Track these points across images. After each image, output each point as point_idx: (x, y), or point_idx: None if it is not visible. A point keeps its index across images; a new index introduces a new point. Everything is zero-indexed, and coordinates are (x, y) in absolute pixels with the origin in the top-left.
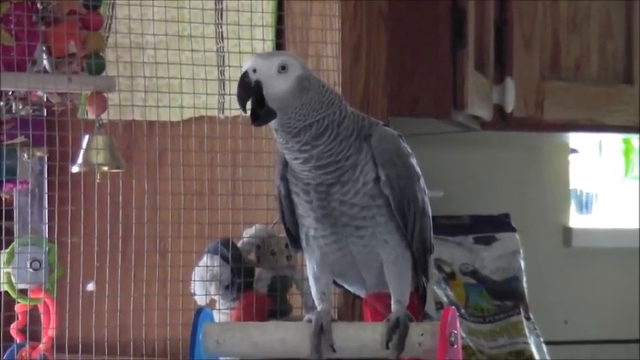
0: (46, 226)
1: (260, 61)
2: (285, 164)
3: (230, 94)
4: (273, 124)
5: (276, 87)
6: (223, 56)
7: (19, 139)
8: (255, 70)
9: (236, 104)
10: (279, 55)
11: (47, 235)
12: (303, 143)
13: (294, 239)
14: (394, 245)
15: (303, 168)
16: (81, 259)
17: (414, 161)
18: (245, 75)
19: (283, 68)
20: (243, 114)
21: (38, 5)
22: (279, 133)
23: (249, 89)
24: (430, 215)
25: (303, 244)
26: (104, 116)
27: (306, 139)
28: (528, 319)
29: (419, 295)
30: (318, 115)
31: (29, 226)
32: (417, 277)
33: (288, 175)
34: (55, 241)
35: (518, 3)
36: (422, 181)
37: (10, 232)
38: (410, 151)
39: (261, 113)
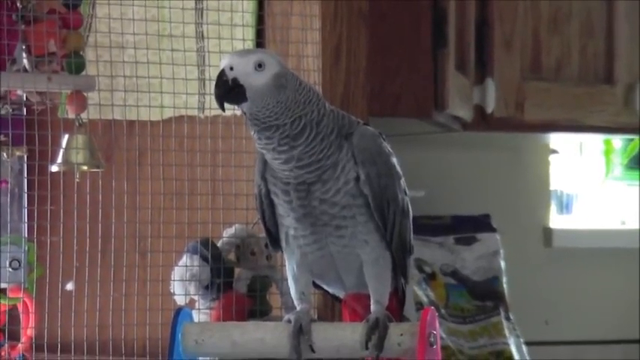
0: (26, 225)
1: (236, 59)
2: (265, 163)
3: (210, 94)
4: (244, 116)
5: (253, 83)
6: (204, 56)
7: None
8: (232, 68)
9: (216, 104)
10: (255, 53)
11: (26, 235)
12: (279, 144)
13: (274, 239)
14: (374, 245)
15: (283, 168)
16: (60, 258)
17: (394, 160)
18: (222, 73)
19: (260, 66)
20: (222, 113)
21: (18, 4)
22: (250, 127)
23: (227, 87)
24: (410, 216)
25: (283, 244)
26: (84, 115)
27: (282, 139)
28: (508, 319)
29: (398, 296)
30: (293, 115)
31: (8, 225)
32: (397, 278)
33: (267, 175)
34: (35, 240)
35: (498, 3)
36: (402, 181)
37: None
38: (391, 150)
39: (234, 97)
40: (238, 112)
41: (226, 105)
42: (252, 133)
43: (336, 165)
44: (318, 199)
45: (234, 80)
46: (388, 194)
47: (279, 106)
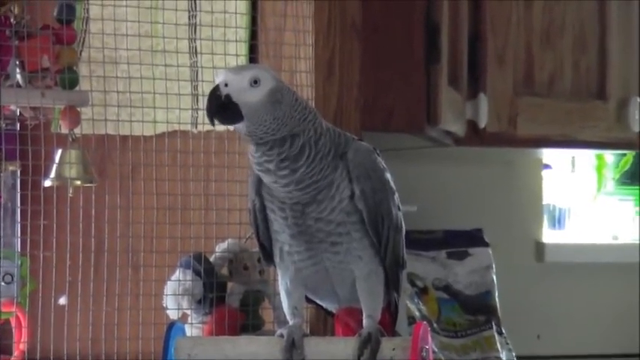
0: (19, 239)
1: (231, 75)
2: (260, 180)
3: (203, 109)
4: (241, 132)
5: (248, 100)
6: (197, 71)
7: None
8: (226, 85)
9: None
10: (250, 69)
11: (19, 249)
12: (279, 167)
13: (268, 254)
14: (367, 261)
15: (282, 190)
16: (53, 272)
17: (388, 176)
18: (216, 89)
19: (255, 82)
20: (214, 128)
21: (11, 20)
22: (251, 145)
23: (220, 103)
24: (404, 231)
25: (277, 259)
26: (77, 130)
27: (281, 161)
28: (500, 333)
29: (390, 311)
30: (291, 130)
31: (2, 239)
32: (389, 292)
33: (263, 192)
34: (28, 254)
35: (491, 16)
36: (396, 196)
37: None
38: (385, 166)
39: (228, 116)
40: (231, 127)
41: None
42: (250, 155)
43: (332, 184)
44: (314, 218)
45: (228, 97)
46: (382, 209)
47: (275, 123)
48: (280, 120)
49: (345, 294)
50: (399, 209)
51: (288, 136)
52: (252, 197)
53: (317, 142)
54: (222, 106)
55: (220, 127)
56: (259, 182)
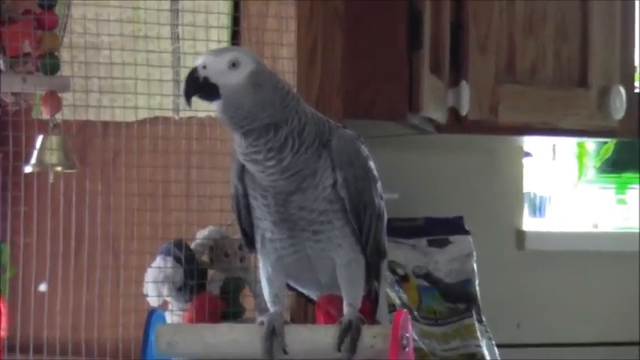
0: None
1: (210, 58)
2: (243, 167)
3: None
4: (223, 120)
5: (227, 82)
6: (179, 57)
7: None
8: (205, 67)
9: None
10: (230, 51)
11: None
12: (266, 157)
13: (250, 240)
14: (347, 249)
15: (267, 179)
16: (33, 259)
17: (372, 164)
18: (194, 71)
19: (234, 65)
20: (197, 114)
21: None
22: (236, 135)
23: (197, 85)
24: (385, 220)
25: (258, 245)
26: (58, 116)
27: (269, 151)
28: (481, 321)
29: (370, 299)
30: (272, 118)
31: None
32: (370, 281)
33: (245, 179)
34: (8, 241)
35: (473, 5)
36: (379, 185)
37: None
38: (368, 153)
39: (205, 95)
40: (213, 114)
41: (200, 106)
42: (237, 146)
43: (315, 173)
44: (297, 206)
45: (206, 79)
46: (365, 198)
47: (255, 107)
48: (260, 104)
49: (326, 280)
50: (381, 198)
51: (272, 126)
52: (235, 183)
53: (301, 132)
54: (199, 88)
55: (202, 114)
56: (242, 169)
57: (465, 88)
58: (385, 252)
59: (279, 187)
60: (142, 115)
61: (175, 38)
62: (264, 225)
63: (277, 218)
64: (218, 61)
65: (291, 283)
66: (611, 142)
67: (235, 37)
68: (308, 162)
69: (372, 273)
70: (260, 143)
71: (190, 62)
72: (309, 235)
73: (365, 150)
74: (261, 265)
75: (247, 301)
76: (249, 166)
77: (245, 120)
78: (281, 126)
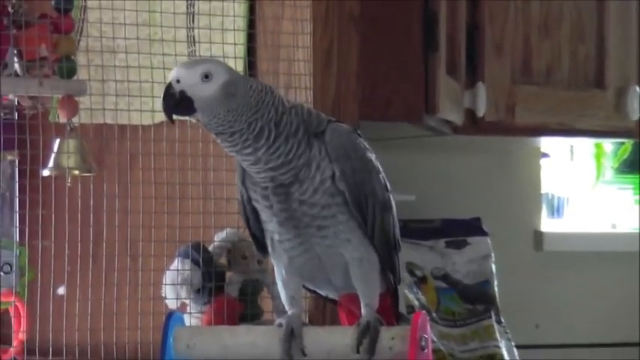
0: (17, 229)
1: (183, 71)
2: (244, 170)
3: None
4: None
5: (200, 94)
6: None
7: None
8: (178, 81)
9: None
10: (203, 63)
11: (18, 239)
12: (243, 146)
13: (261, 244)
14: (356, 244)
15: (255, 170)
16: (52, 262)
17: (372, 156)
18: (169, 86)
19: (207, 77)
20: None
21: (9, 8)
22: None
23: (174, 100)
24: (394, 210)
25: (270, 249)
26: (75, 120)
27: (245, 141)
28: (499, 322)
29: (390, 295)
30: (248, 119)
31: (0, 229)
32: (386, 277)
33: (247, 182)
34: (26, 244)
35: (489, 5)
36: (382, 175)
37: None
38: (367, 146)
39: (182, 110)
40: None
41: (175, 116)
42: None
43: (310, 164)
44: (297, 200)
45: (182, 93)
46: (366, 189)
47: (230, 115)
48: (235, 111)
49: (339, 281)
50: (386, 189)
51: (245, 125)
52: (240, 188)
53: (278, 123)
54: (177, 103)
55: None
56: (243, 172)
57: (481, 89)
58: (398, 244)
59: (273, 179)
60: (159, 118)
61: (191, 41)
62: (271, 227)
63: (282, 218)
64: (191, 73)
65: (308, 286)
66: (628, 143)
67: (251, 40)
68: (296, 151)
69: (387, 267)
70: (234, 139)
71: None
72: (314, 232)
73: (362, 142)
74: (275, 268)
75: (265, 303)
76: (236, 157)
77: (221, 127)
78: (256, 119)
